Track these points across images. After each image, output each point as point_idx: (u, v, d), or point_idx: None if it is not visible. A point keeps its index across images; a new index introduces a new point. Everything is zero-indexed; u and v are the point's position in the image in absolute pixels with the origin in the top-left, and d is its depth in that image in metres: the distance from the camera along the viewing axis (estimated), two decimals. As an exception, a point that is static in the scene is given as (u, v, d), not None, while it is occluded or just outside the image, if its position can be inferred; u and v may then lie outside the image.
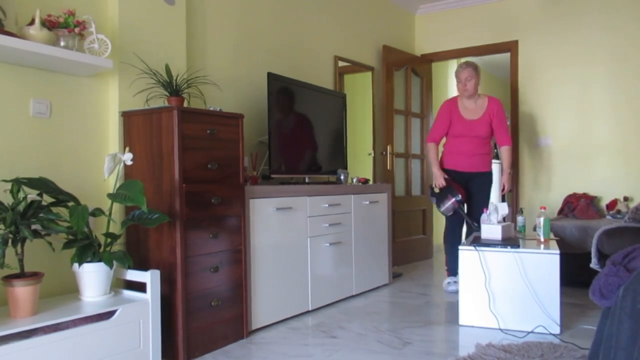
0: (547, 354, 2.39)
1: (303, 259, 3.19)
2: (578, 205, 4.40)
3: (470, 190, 3.91)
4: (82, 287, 2.18)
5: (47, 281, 2.24)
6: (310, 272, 3.24)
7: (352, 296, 3.67)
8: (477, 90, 3.88)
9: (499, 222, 3.14)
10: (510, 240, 3.05)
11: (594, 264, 2.86)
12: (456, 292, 3.58)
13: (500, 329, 2.87)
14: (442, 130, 3.96)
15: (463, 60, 6.64)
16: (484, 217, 3.25)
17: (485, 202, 3.87)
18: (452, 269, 3.85)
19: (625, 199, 4.48)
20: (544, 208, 3.24)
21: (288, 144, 3.44)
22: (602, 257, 2.83)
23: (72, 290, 2.35)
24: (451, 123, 3.90)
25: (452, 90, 6.65)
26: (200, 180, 2.49)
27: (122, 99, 2.58)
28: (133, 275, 2.31)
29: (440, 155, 4.06)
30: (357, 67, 4.76)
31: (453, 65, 6.63)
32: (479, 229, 3.43)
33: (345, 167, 4.02)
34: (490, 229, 3.10)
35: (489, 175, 3.98)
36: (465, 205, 3.94)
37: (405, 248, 5.09)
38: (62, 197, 2.12)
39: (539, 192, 4.95)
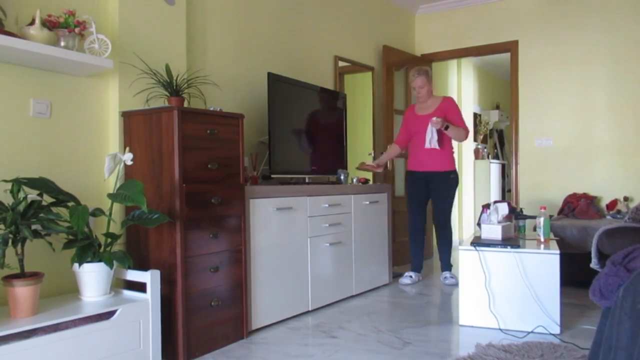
0: (547, 354, 2.39)
1: (303, 259, 3.19)
2: (578, 205, 4.40)
3: (431, 190, 4.11)
4: (82, 287, 2.18)
5: (47, 281, 2.24)
6: (310, 272, 3.24)
7: (352, 296, 3.67)
8: (430, 94, 4.11)
9: (499, 222, 3.13)
10: (510, 240, 3.05)
11: (594, 264, 2.86)
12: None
13: (500, 329, 2.87)
14: (403, 133, 4.22)
15: (463, 60, 6.68)
16: (484, 217, 3.25)
17: (447, 202, 4.07)
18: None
19: (625, 199, 4.48)
20: (544, 208, 3.24)
21: (288, 144, 3.44)
22: (602, 257, 2.82)
23: (72, 290, 2.35)
24: (409, 124, 4.14)
25: (452, 90, 6.65)
26: (200, 180, 2.49)
27: (122, 99, 2.58)
28: (133, 275, 2.31)
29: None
30: (357, 67, 4.76)
31: (453, 65, 6.64)
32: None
33: (345, 167, 4.02)
34: (490, 229, 3.10)
35: (448, 174, 4.06)
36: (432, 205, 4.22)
37: (405, 248, 5.08)
38: (62, 197, 2.12)
39: (539, 192, 4.95)
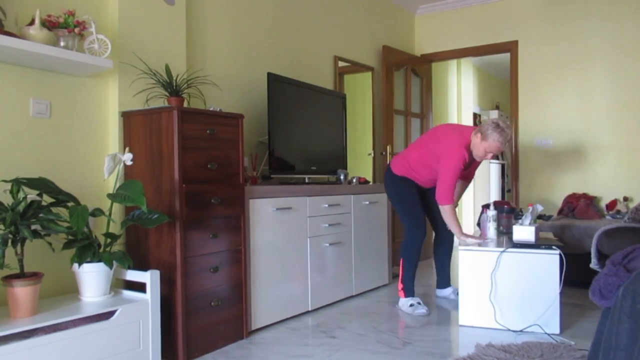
0: (547, 354, 2.39)
1: (303, 259, 3.19)
2: (578, 205, 4.39)
3: (426, 192, 3.54)
4: (82, 287, 2.18)
5: (47, 281, 2.24)
6: (310, 272, 3.24)
7: (352, 296, 3.67)
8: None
9: (530, 224, 3.00)
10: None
11: (593, 264, 2.86)
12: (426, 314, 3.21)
13: (500, 329, 2.86)
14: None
15: (463, 60, 6.67)
16: (483, 217, 3.23)
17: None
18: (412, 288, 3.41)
19: (625, 199, 4.48)
20: (531, 205, 3.19)
21: (288, 144, 3.44)
22: (602, 257, 2.82)
23: (72, 290, 2.35)
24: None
25: (452, 91, 6.64)
26: (200, 180, 2.49)
27: (122, 99, 2.58)
28: (133, 275, 2.31)
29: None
30: (357, 67, 4.76)
31: (453, 65, 6.64)
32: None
33: (345, 167, 4.02)
34: (524, 230, 2.95)
35: None
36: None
37: (405, 248, 5.08)
38: (62, 197, 2.12)
39: (539, 192, 4.95)
